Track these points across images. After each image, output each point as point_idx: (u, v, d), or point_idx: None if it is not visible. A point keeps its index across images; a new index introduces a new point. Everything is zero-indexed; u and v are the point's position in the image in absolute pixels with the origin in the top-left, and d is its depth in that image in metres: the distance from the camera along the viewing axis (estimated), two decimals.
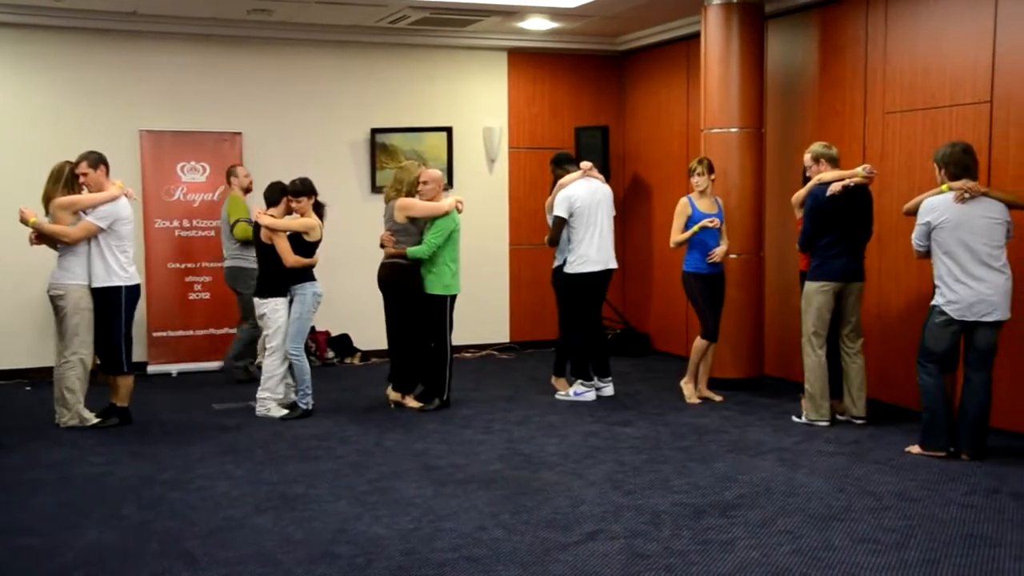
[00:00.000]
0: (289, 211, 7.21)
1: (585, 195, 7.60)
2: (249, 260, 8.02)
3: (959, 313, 5.78)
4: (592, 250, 7.57)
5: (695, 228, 7.38)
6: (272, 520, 4.94)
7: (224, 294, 9.19)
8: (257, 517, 4.99)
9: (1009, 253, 5.86)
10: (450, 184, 9.59)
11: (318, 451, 6.29)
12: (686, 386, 7.69)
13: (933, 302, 5.92)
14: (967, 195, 5.78)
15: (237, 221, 8.23)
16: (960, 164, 5.86)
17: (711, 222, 7.36)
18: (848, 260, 6.66)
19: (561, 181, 7.71)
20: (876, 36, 7.41)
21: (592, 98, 10.52)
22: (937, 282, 5.89)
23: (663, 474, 5.69)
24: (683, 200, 7.55)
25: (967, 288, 5.75)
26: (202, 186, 9.16)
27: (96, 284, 6.77)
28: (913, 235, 6.00)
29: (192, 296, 9.15)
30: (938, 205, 5.84)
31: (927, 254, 5.98)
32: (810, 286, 6.69)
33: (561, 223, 7.59)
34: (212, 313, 9.18)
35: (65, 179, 6.80)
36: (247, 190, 8.51)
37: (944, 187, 5.87)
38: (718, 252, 7.42)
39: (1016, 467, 5.74)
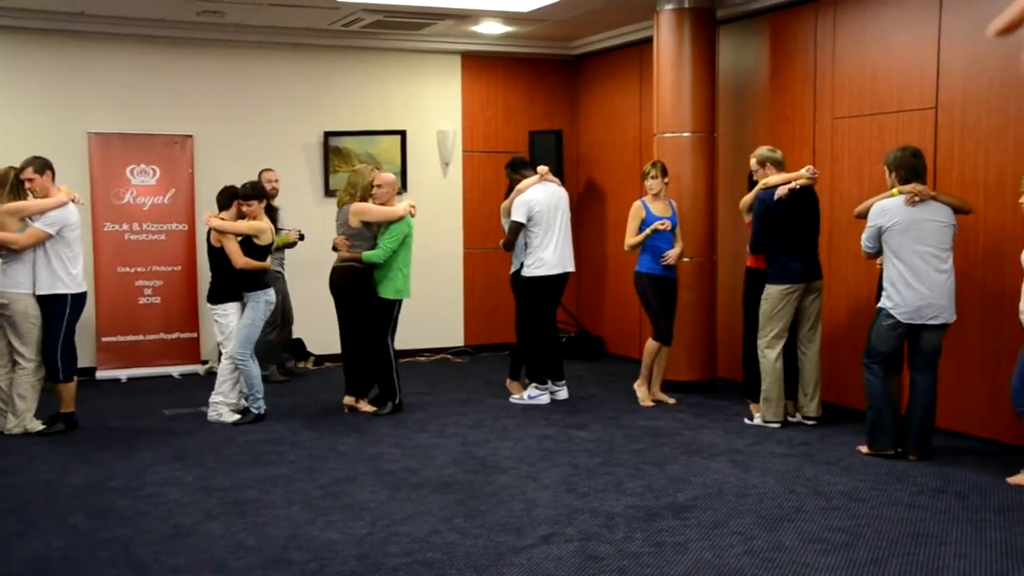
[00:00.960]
0: (241, 215, 7.15)
1: (544, 199, 7.62)
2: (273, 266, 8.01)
3: (906, 316, 5.88)
4: (550, 254, 7.60)
5: (647, 231, 7.43)
6: (224, 526, 4.89)
7: (176, 298, 9.12)
8: (208, 523, 4.94)
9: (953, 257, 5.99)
10: (404, 188, 9.57)
11: (271, 456, 6.23)
12: (639, 389, 7.73)
13: (880, 304, 6.02)
14: (917, 198, 5.88)
15: None
16: (910, 168, 5.96)
17: (662, 224, 7.42)
18: (806, 261, 6.76)
19: (519, 186, 7.72)
20: (825, 42, 7.51)
21: (546, 102, 10.55)
22: (885, 284, 5.98)
23: (617, 477, 5.72)
24: (637, 203, 7.60)
25: (914, 292, 5.85)
26: (152, 189, 9.05)
27: (41, 291, 6.65)
28: (863, 237, 6.09)
29: (143, 301, 9.03)
30: (889, 208, 5.94)
31: (876, 255, 6.07)
32: (773, 290, 6.74)
33: (519, 227, 7.61)
34: (163, 318, 9.08)
35: (10, 185, 6.68)
36: (272, 195, 8.39)
37: (894, 190, 5.96)
38: (671, 254, 7.47)
39: (960, 467, 5.84)
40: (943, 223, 5.88)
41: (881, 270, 6.11)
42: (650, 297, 7.55)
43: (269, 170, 8.60)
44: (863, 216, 6.12)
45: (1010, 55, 5.93)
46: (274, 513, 5.09)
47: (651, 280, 7.52)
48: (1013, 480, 5.45)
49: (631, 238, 7.53)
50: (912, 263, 5.85)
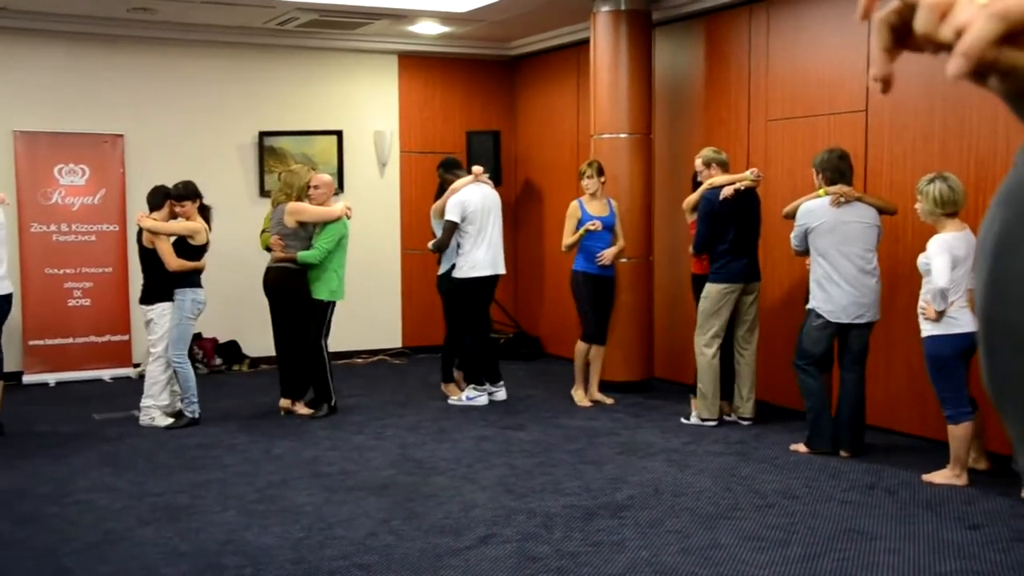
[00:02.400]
0: (173, 215, 7.03)
1: (477, 200, 7.61)
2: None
3: (833, 315, 5.99)
4: (482, 255, 7.59)
5: (581, 231, 7.47)
6: (156, 532, 4.79)
7: (107, 300, 8.93)
8: (140, 530, 4.84)
9: (879, 258, 6.11)
10: (341, 188, 9.49)
11: (205, 460, 6.13)
12: (576, 392, 7.76)
13: (809, 305, 6.12)
14: (842, 199, 5.98)
15: (264, 231, 7.75)
16: (836, 169, 6.07)
17: (593, 225, 7.45)
18: (747, 261, 6.84)
19: (453, 186, 7.70)
20: (759, 45, 7.61)
21: (483, 103, 10.54)
22: (812, 285, 6.09)
23: (555, 477, 5.73)
24: (573, 203, 7.63)
25: (840, 291, 5.96)
26: (81, 189, 8.86)
27: None
28: (791, 236, 6.20)
29: (72, 303, 8.83)
30: (815, 208, 6.04)
31: (804, 253, 6.18)
32: (713, 288, 6.81)
33: (453, 227, 7.59)
34: (93, 320, 8.88)
35: None
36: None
37: (821, 191, 6.07)
38: (606, 254, 7.51)
39: (891, 464, 5.96)
40: (868, 224, 6.00)
41: (809, 271, 6.22)
42: (583, 297, 7.59)
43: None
44: (791, 217, 6.23)
45: (936, 63, 6.05)
46: (208, 518, 5.01)
47: (585, 279, 7.56)
48: (927, 478, 5.57)
49: (567, 238, 7.57)
50: (838, 263, 5.95)
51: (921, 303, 5.46)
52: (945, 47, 0.80)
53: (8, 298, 6.68)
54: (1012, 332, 0.83)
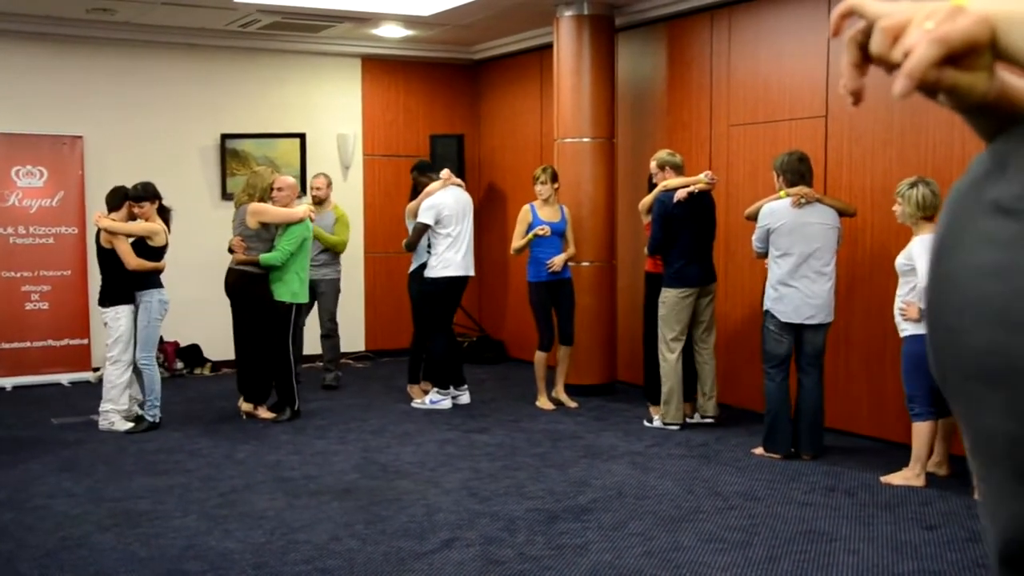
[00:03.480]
0: (132, 216, 6.96)
1: (452, 203, 7.63)
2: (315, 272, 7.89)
3: (785, 316, 6.05)
4: (456, 255, 7.61)
5: (529, 235, 7.49)
6: (115, 538, 4.74)
7: (65, 304, 8.82)
8: (99, 535, 4.78)
9: (839, 261, 6.19)
10: (303, 191, 9.44)
11: (166, 465, 6.08)
12: (539, 399, 7.76)
13: (764, 307, 6.17)
14: (803, 200, 6.05)
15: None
16: (796, 171, 6.14)
17: (542, 229, 7.47)
18: (702, 265, 6.88)
19: (428, 188, 7.70)
20: (720, 51, 7.67)
21: (447, 106, 10.54)
22: (768, 286, 6.15)
23: (518, 480, 5.73)
24: (525, 207, 7.67)
25: (794, 291, 6.02)
26: (39, 191, 8.74)
27: None
28: (753, 237, 6.26)
29: (29, 306, 8.71)
30: (776, 209, 6.10)
31: (765, 254, 6.24)
32: (670, 294, 6.85)
33: (424, 229, 7.59)
34: (51, 324, 8.77)
35: None
36: (316, 200, 8.24)
37: (782, 193, 6.14)
38: (556, 260, 7.53)
39: (850, 466, 6.02)
40: (828, 225, 6.07)
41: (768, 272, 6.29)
42: (538, 306, 7.63)
43: (318, 176, 8.49)
44: (752, 218, 6.29)
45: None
46: (169, 523, 4.96)
47: (537, 288, 7.59)
48: (886, 479, 5.64)
49: (515, 241, 7.60)
50: (795, 264, 6.02)
51: (900, 304, 5.53)
52: (897, 67, 0.86)
53: None
54: (949, 329, 0.87)
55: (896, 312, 5.58)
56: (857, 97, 0.94)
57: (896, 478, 5.61)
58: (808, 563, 4.40)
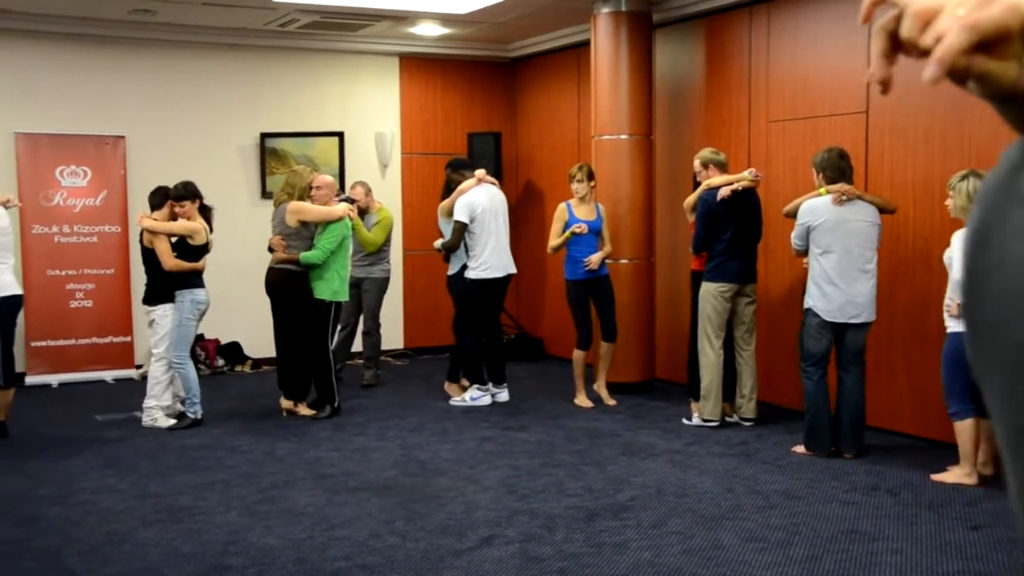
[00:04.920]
0: (173, 216, 7.03)
1: (486, 201, 7.63)
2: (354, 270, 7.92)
3: (829, 315, 5.99)
4: (493, 256, 7.61)
5: (566, 233, 7.48)
6: (158, 533, 4.80)
7: (109, 302, 8.95)
8: (142, 531, 4.84)
9: (880, 257, 6.12)
10: (342, 190, 9.49)
11: (207, 461, 6.14)
12: (578, 397, 7.75)
13: (805, 305, 6.12)
14: (844, 198, 5.99)
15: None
16: (836, 168, 6.08)
17: (578, 227, 7.46)
18: (743, 262, 6.84)
19: (460, 187, 7.71)
20: (759, 46, 7.61)
21: (484, 104, 10.55)
22: (809, 283, 6.10)
23: (557, 478, 5.73)
24: (561, 206, 7.65)
25: (837, 290, 5.96)
26: (83, 191, 8.87)
27: None
28: (793, 235, 6.20)
29: (74, 304, 8.84)
30: (817, 207, 6.05)
31: (805, 252, 6.18)
32: (708, 288, 6.82)
33: (463, 228, 7.60)
34: (95, 322, 8.89)
35: None
36: (360, 211, 8.17)
37: (822, 190, 6.08)
38: (593, 259, 7.51)
39: (893, 465, 5.96)
40: (869, 222, 6.01)
41: (807, 270, 6.23)
42: (574, 304, 7.61)
43: (358, 183, 8.49)
44: (791, 215, 6.24)
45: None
46: (211, 519, 5.01)
47: (574, 286, 7.57)
48: (937, 477, 5.58)
49: (552, 240, 7.59)
50: (837, 262, 5.96)
51: (947, 299, 5.47)
52: (927, 53, 0.86)
53: (18, 299, 6.69)
54: (985, 323, 0.87)
55: (944, 308, 5.52)
56: (886, 87, 0.94)
57: (947, 476, 5.54)
58: (850, 563, 4.36)
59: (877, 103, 6.70)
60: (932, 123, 6.32)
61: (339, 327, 8.13)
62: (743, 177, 6.78)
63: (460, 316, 7.87)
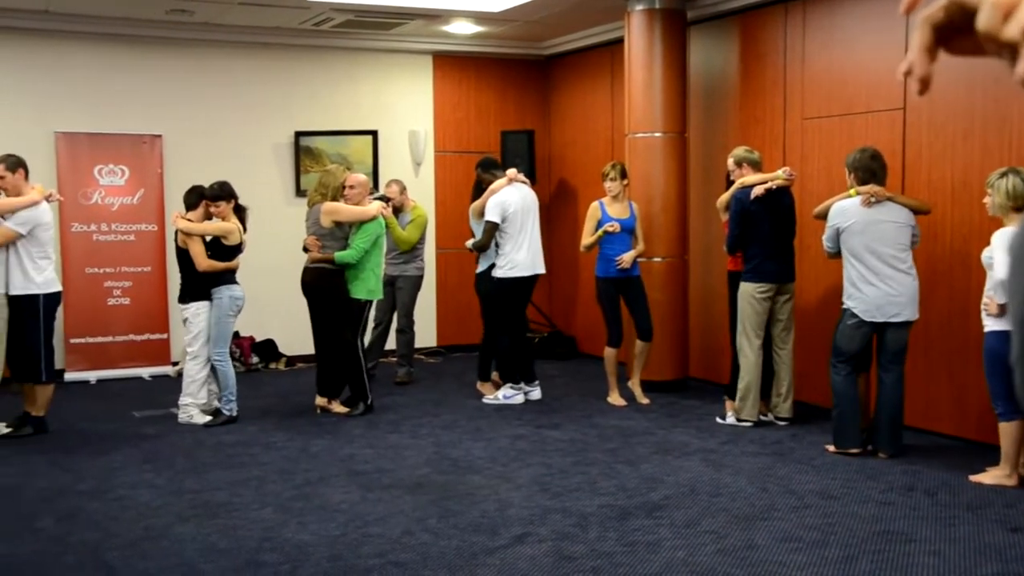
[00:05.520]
0: (208, 216, 7.10)
1: (517, 200, 7.64)
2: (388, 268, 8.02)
3: (868, 315, 5.94)
4: (522, 255, 7.62)
5: (599, 232, 7.46)
6: (195, 529, 4.85)
7: (146, 299, 9.05)
8: (179, 526, 4.90)
9: (918, 257, 6.05)
10: (376, 188, 9.53)
11: (243, 458, 6.19)
12: (611, 396, 7.74)
13: (844, 305, 6.07)
14: (873, 199, 5.94)
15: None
16: (868, 169, 6.02)
17: (611, 226, 7.44)
18: (780, 261, 6.80)
19: (492, 187, 7.72)
20: (794, 44, 7.56)
21: (518, 102, 10.55)
22: (846, 284, 6.05)
23: (590, 476, 5.73)
24: (594, 204, 7.64)
25: (876, 289, 5.91)
26: (121, 189, 8.97)
27: (13, 292, 6.56)
28: (823, 237, 6.16)
29: (111, 302, 8.95)
30: (846, 209, 5.99)
31: (836, 254, 6.13)
32: (746, 289, 6.79)
33: (494, 228, 7.61)
34: (132, 319, 9.00)
35: None
36: (395, 209, 8.17)
37: (852, 191, 6.02)
38: (625, 257, 7.49)
39: (930, 465, 5.90)
40: (900, 224, 5.95)
41: (843, 270, 6.18)
42: (604, 302, 7.60)
43: (393, 182, 8.50)
44: (821, 217, 6.19)
45: (976, 60, 5.98)
46: (246, 515, 5.06)
47: (605, 284, 7.56)
48: (976, 478, 5.51)
49: (585, 238, 7.58)
50: (870, 263, 5.91)
51: (984, 298, 5.42)
52: (1007, 47, 0.77)
53: (57, 295, 6.79)
54: None
55: (982, 307, 5.46)
56: (924, 85, 0.86)
57: (986, 477, 5.48)
58: (886, 564, 4.32)
59: (914, 100, 6.63)
60: (971, 120, 6.24)
61: (373, 325, 8.18)
62: (777, 176, 6.73)
63: (489, 315, 7.88)
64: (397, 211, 8.27)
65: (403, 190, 8.46)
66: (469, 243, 7.90)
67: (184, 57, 9.23)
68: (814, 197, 7.26)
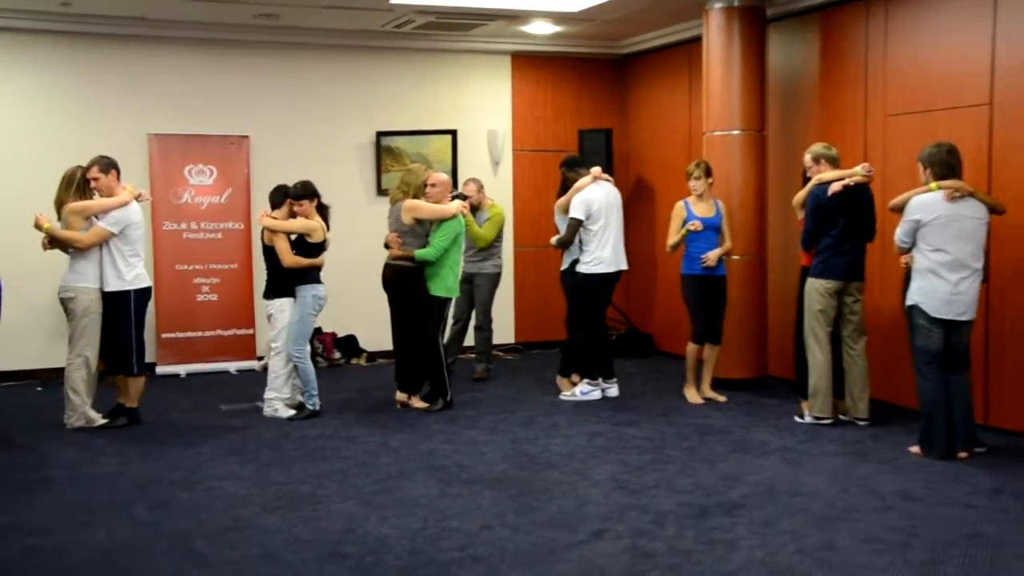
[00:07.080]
0: (292, 214, 7.27)
1: (602, 198, 7.68)
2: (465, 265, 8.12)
3: (936, 311, 5.84)
4: (606, 252, 7.66)
5: (682, 231, 7.45)
6: (280, 520, 4.99)
7: (232, 296, 9.28)
8: (265, 517, 5.04)
9: (1004, 254, 5.94)
10: (455, 187, 9.64)
11: (325, 451, 6.34)
12: (688, 391, 7.74)
13: (910, 303, 5.96)
14: (957, 194, 5.84)
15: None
16: (946, 164, 5.92)
17: (693, 225, 7.42)
18: (850, 259, 6.71)
19: (577, 184, 7.77)
20: (876, 39, 7.45)
21: (595, 101, 10.57)
22: (915, 279, 5.95)
23: (668, 474, 5.74)
24: (679, 203, 7.63)
25: (947, 285, 5.81)
26: (209, 189, 9.24)
27: (108, 288, 6.83)
28: (898, 231, 6.04)
29: (200, 298, 9.22)
30: (929, 203, 5.90)
31: (909, 250, 6.03)
32: (812, 283, 6.73)
33: (577, 225, 7.65)
34: (220, 315, 9.26)
35: (77, 184, 6.86)
36: (472, 207, 8.25)
37: (933, 185, 5.92)
38: (710, 255, 7.47)
39: (1017, 467, 5.78)
40: (980, 220, 5.87)
41: (907, 269, 6.07)
42: (690, 299, 7.60)
43: (470, 181, 8.59)
44: (898, 210, 6.08)
45: None
46: (329, 507, 5.18)
47: (690, 281, 7.55)
48: None
49: (670, 237, 7.57)
50: (948, 259, 5.81)
51: None
52: None
53: (147, 290, 7.03)
54: None
55: None
56: None
57: None
58: (973, 568, 4.25)
59: (1002, 95, 6.49)
60: None
61: (452, 322, 8.29)
62: (855, 172, 6.65)
63: (572, 311, 7.93)
64: (475, 209, 8.36)
65: (480, 188, 8.55)
66: (554, 240, 7.97)
67: (270, 60, 9.46)
68: (896, 195, 7.14)
